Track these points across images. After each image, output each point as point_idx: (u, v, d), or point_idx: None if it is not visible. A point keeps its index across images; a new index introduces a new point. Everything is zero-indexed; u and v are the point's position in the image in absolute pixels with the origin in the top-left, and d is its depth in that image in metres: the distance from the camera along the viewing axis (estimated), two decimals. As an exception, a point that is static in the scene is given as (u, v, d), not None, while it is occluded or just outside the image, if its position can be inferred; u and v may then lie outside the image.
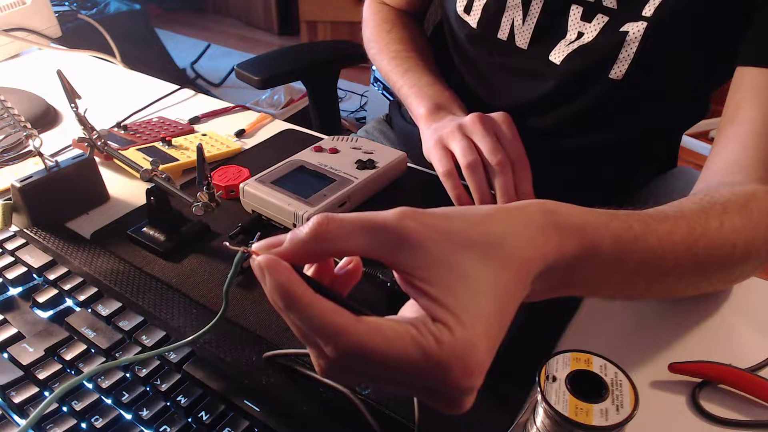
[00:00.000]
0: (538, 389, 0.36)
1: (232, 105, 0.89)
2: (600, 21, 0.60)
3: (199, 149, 0.52)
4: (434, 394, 0.29)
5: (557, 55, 0.64)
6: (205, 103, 0.91)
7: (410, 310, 0.31)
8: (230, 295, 0.51)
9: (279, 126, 0.83)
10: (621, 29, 0.59)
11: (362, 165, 0.65)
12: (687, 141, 2.01)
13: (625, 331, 0.49)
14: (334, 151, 0.68)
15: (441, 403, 0.30)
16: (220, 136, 0.78)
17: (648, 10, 0.57)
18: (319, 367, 0.30)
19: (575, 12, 0.62)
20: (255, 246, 0.31)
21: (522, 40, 0.67)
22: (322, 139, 0.75)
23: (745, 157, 0.50)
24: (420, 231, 0.29)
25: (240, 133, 0.80)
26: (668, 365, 0.45)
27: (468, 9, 0.69)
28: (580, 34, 0.62)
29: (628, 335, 0.49)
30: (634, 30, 0.58)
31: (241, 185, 0.61)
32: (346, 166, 0.65)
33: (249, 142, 0.78)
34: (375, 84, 2.08)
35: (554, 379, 0.36)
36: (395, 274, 0.30)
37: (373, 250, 0.29)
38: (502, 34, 0.68)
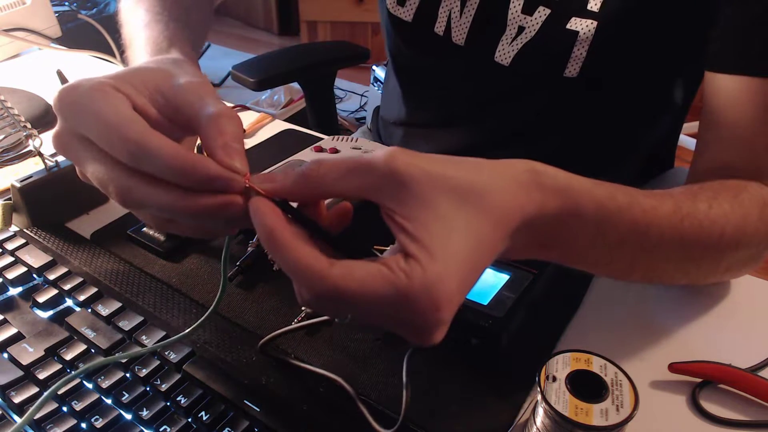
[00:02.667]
0: (538, 389, 0.36)
1: (232, 105, 0.89)
2: (542, 14, 0.59)
3: (199, 149, 0.52)
4: (406, 327, 0.30)
5: (503, 56, 0.62)
6: (205, 103, 0.91)
7: (389, 253, 0.32)
8: (228, 287, 0.51)
9: (279, 126, 0.83)
10: (568, 26, 0.57)
11: (362, 165, 0.65)
12: (686, 141, 2.01)
13: (625, 331, 0.49)
14: (334, 151, 0.68)
15: (413, 336, 0.31)
16: (220, 136, 0.78)
17: (594, 5, 0.56)
18: (300, 298, 0.31)
19: (516, 4, 0.60)
20: (253, 177, 0.32)
21: (459, 36, 0.64)
22: (322, 139, 0.75)
23: (729, 160, 0.50)
24: (406, 169, 0.30)
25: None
26: (668, 365, 0.45)
27: (402, 0, 0.67)
28: (521, 29, 0.60)
29: (628, 335, 0.49)
30: (585, 29, 0.57)
31: (241, 185, 0.61)
32: (346, 166, 0.64)
33: (249, 142, 0.78)
34: (375, 84, 2.08)
35: (554, 379, 0.36)
36: (381, 209, 0.31)
37: (361, 190, 0.31)
38: (439, 27, 0.65)
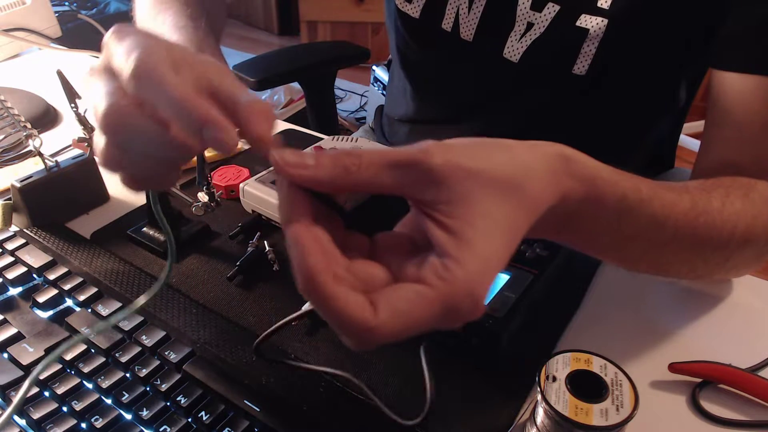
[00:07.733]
0: (538, 389, 0.36)
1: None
2: (551, 10, 0.59)
3: (200, 161, 0.52)
4: (444, 326, 0.30)
5: (512, 53, 0.62)
6: (205, 103, 0.91)
7: (405, 225, 0.32)
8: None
9: (279, 126, 0.83)
10: (577, 23, 0.57)
11: (362, 165, 0.65)
12: (686, 141, 2.01)
13: (625, 331, 0.49)
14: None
15: (447, 327, 0.30)
16: (220, 136, 0.77)
17: (604, 2, 0.56)
18: (343, 341, 0.30)
19: (524, 0, 0.60)
20: (286, 156, 0.30)
21: (467, 32, 0.64)
22: (322, 139, 0.74)
23: (735, 159, 0.50)
24: (445, 168, 0.29)
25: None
26: (668, 365, 0.45)
27: None
28: (530, 25, 0.60)
29: (628, 335, 0.49)
30: (595, 27, 0.57)
31: (241, 185, 0.61)
32: (346, 166, 0.64)
33: (249, 142, 0.78)
34: (375, 84, 2.08)
35: (554, 379, 0.36)
36: (413, 206, 0.31)
37: (399, 187, 0.30)
38: (447, 23, 0.65)
